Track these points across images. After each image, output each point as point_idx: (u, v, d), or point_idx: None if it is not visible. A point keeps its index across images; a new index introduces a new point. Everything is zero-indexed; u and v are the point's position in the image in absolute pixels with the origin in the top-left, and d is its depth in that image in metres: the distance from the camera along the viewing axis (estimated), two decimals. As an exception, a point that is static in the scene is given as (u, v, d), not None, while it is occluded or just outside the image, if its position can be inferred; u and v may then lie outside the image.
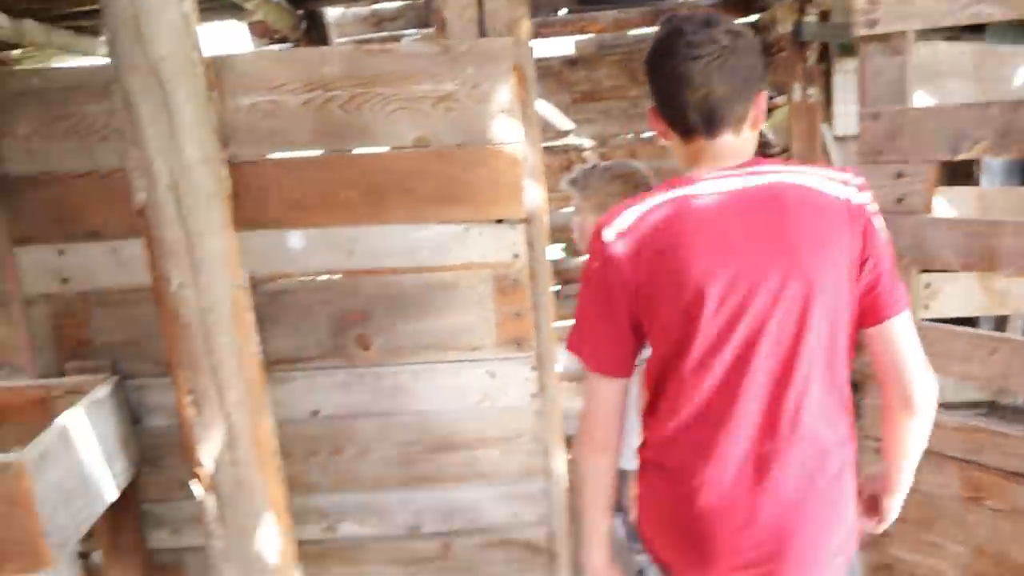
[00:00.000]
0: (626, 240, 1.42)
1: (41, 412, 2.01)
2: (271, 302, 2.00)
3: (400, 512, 2.15)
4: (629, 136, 5.30)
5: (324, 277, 2.02)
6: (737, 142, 1.44)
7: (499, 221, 1.99)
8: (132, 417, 2.06)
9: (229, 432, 1.77)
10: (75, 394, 1.97)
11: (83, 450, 1.80)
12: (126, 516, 2.13)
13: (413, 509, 2.14)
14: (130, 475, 2.02)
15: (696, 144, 1.44)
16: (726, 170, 1.43)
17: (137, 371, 2.05)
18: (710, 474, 1.44)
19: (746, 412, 1.42)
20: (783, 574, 1.47)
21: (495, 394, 2.07)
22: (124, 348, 2.04)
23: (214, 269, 1.69)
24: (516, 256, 2.00)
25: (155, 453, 2.11)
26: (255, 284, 1.91)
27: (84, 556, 2.22)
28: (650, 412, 1.53)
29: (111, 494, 1.91)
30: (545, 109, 4.75)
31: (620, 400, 1.51)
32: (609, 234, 1.43)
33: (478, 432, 2.10)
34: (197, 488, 1.84)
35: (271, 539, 1.88)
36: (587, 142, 5.17)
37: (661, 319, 1.43)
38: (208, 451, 1.78)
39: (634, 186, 2.23)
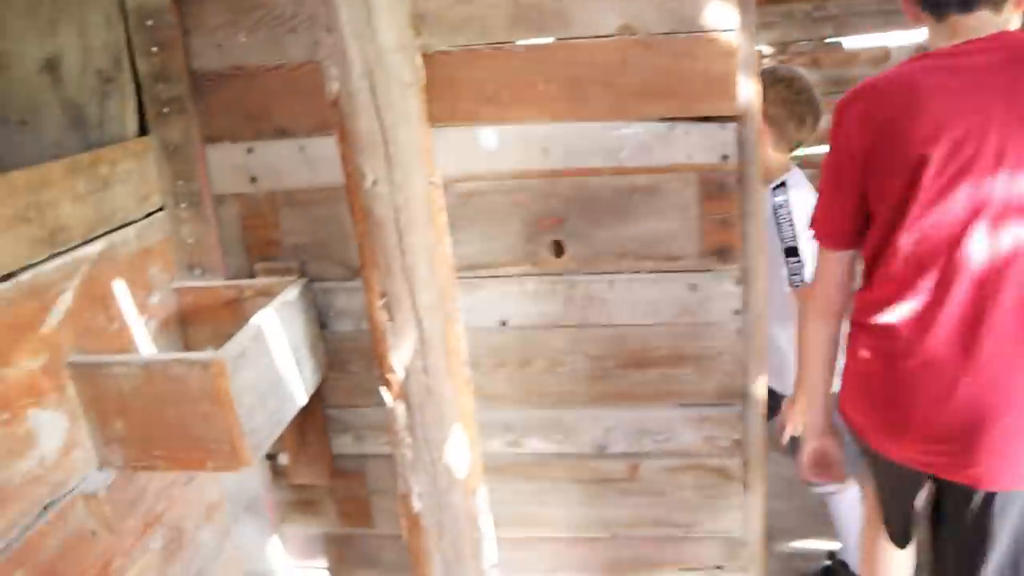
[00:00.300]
0: (859, 106, 1.50)
1: (231, 313, 2.00)
2: (461, 204, 1.89)
3: (587, 430, 2.04)
4: (811, 43, 4.89)
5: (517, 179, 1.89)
6: (996, 20, 1.40)
7: (708, 119, 1.79)
8: (319, 321, 2.02)
9: (421, 338, 1.68)
10: (264, 296, 1.94)
11: (276, 352, 1.76)
12: (312, 420, 2.12)
13: (601, 427, 2.03)
14: (317, 379, 1.99)
15: (948, 21, 1.43)
16: (972, 42, 1.41)
17: (325, 274, 2.01)
18: (918, 341, 1.47)
19: (961, 282, 1.41)
20: (974, 458, 1.45)
21: (695, 309, 1.91)
22: (312, 250, 2.00)
23: (409, 164, 1.58)
24: (725, 158, 1.81)
25: (341, 358, 2.08)
26: (445, 185, 1.80)
27: (271, 457, 2.24)
28: (866, 280, 1.60)
29: (301, 398, 1.89)
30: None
31: (844, 272, 1.65)
32: (846, 103, 1.52)
33: (674, 349, 1.95)
34: (386, 395, 1.78)
35: (459, 451, 1.81)
36: (765, 48, 4.79)
37: (884, 184, 1.46)
38: (399, 357, 1.71)
39: (796, 92, 2.21)
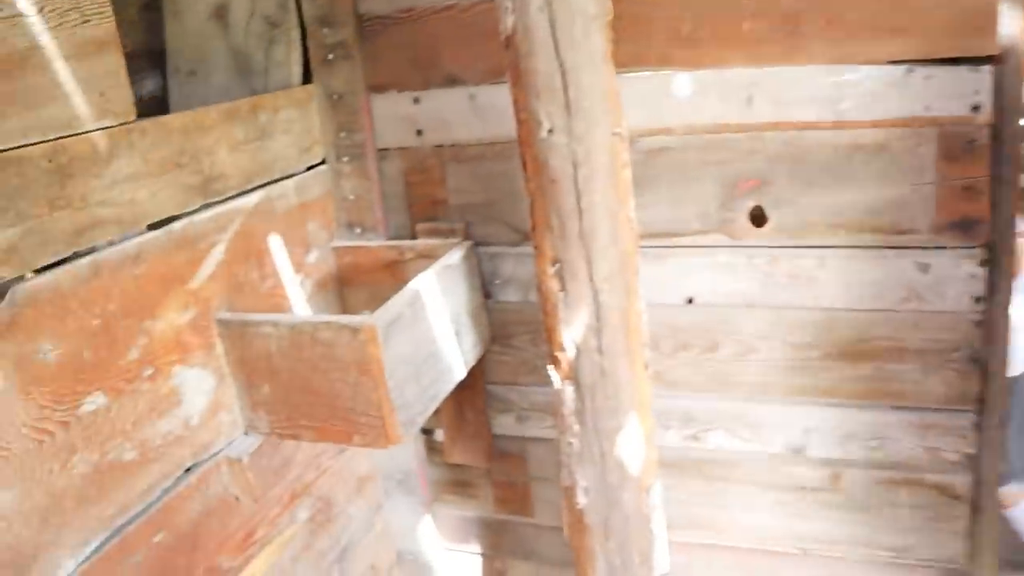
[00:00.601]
0: None
1: (390, 276, 1.86)
2: (647, 162, 1.65)
3: (782, 428, 1.76)
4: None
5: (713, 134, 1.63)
6: None
7: (955, 60, 1.46)
8: (483, 289, 1.84)
9: (597, 313, 1.47)
10: (426, 258, 1.78)
11: (434, 320, 1.60)
12: (471, 397, 1.95)
13: (799, 426, 1.75)
14: (478, 353, 1.81)
15: None
16: None
17: (492, 237, 1.83)
18: None
19: None
20: None
21: (925, 293, 1.59)
22: (479, 211, 1.82)
23: (591, 111, 1.36)
24: (976, 109, 1.47)
25: (505, 331, 1.89)
26: (630, 140, 1.56)
27: (427, 432, 2.10)
28: None
29: (460, 372, 1.71)
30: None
31: None
32: None
33: (895, 340, 1.63)
34: (554, 375, 1.58)
35: (633, 443, 1.58)
36: None
37: None
38: (571, 333, 1.50)
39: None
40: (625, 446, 1.59)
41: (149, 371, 1.39)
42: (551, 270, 1.50)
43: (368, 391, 1.45)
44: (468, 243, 1.78)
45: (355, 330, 1.41)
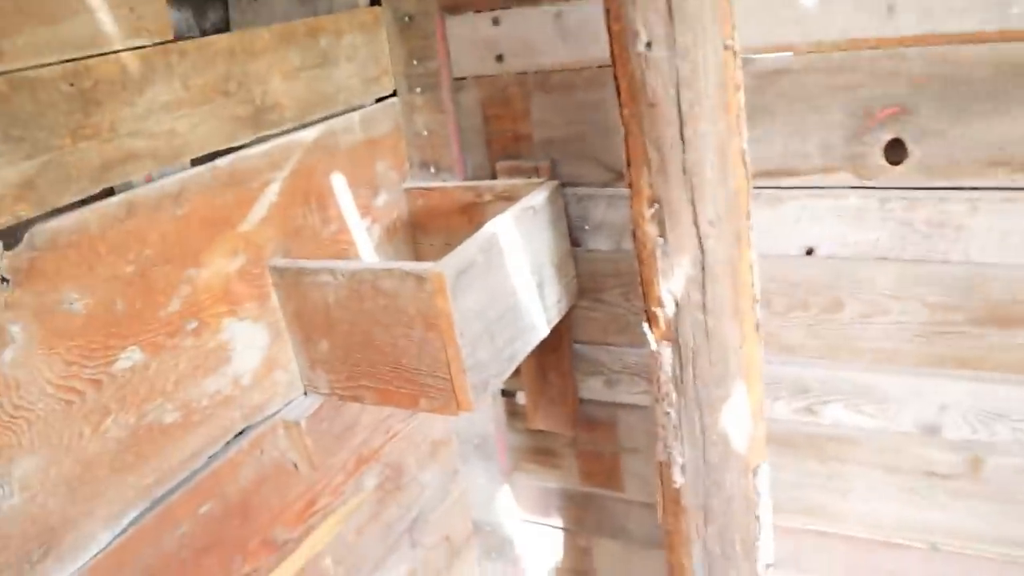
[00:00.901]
0: None
1: (468, 221, 1.67)
2: (761, 86, 1.41)
3: (914, 403, 1.51)
4: None
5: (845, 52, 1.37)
6: None
7: None
8: (571, 236, 1.64)
9: (701, 263, 1.25)
10: (506, 200, 1.59)
11: (513, 269, 1.41)
12: (556, 357, 1.76)
13: (934, 402, 1.49)
14: (564, 308, 1.62)
15: None
16: None
17: (581, 177, 1.61)
18: None
19: None
20: None
21: (1102, 247, 1.32)
22: (567, 146, 1.61)
23: (698, 19, 1.13)
24: None
25: (595, 284, 1.69)
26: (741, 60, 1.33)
27: (507, 394, 1.92)
28: None
29: (543, 328, 1.52)
30: None
31: None
32: None
33: (1061, 302, 1.37)
34: (650, 335, 1.37)
35: (739, 416, 1.37)
36: None
37: None
38: (671, 287, 1.29)
39: None
40: (730, 419, 1.38)
41: (193, 324, 1.24)
42: (648, 212, 1.29)
43: (435, 349, 1.27)
44: (553, 183, 1.57)
45: (420, 279, 1.23)
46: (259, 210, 1.35)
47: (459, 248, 1.29)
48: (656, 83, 1.17)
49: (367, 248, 1.61)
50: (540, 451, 1.95)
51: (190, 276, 1.23)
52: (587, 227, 1.65)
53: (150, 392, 1.18)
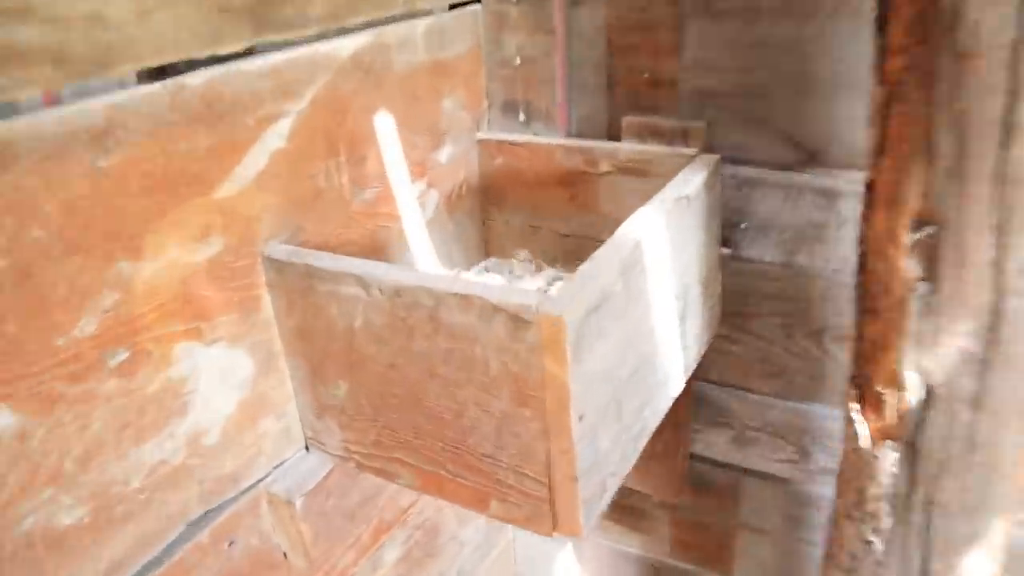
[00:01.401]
0: None
1: (569, 197, 1.13)
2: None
3: None
4: None
5: None
6: None
7: None
8: (722, 236, 1.09)
9: (994, 332, 0.73)
10: (632, 175, 1.05)
11: (655, 297, 0.87)
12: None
13: None
14: (705, 343, 1.08)
15: None
16: None
17: (747, 152, 1.06)
18: None
19: None
20: None
21: None
22: (732, 104, 1.05)
23: None
24: None
25: (742, 306, 1.16)
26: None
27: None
28: None
29: (677, 382, 0.99)
30: None
31: None
32: None
33: None
34: (861, 425, 0.85)
35: (985, 569, 0.86)
36: None
37: None
38: (926, 361, 0.77)
39: None
40: (971, 570, 0.87)
41: (120, 356, 0.72)
42: (910, 237, 0.75)
43: (530, 435, 0.75)
44: (712, 158, 1.02)
45: (520, 320, 0.70)
46: (253, 163, 0.81)
47: (588, 267, 0.75)
48: (982, 17, 0.62)
49: (416, 227, 1.07)
50: (624, 509, 1.44)
51: (119, 275, 0.71)
52: (744, 225, 1.10)
53: (31, 479, 0.67)
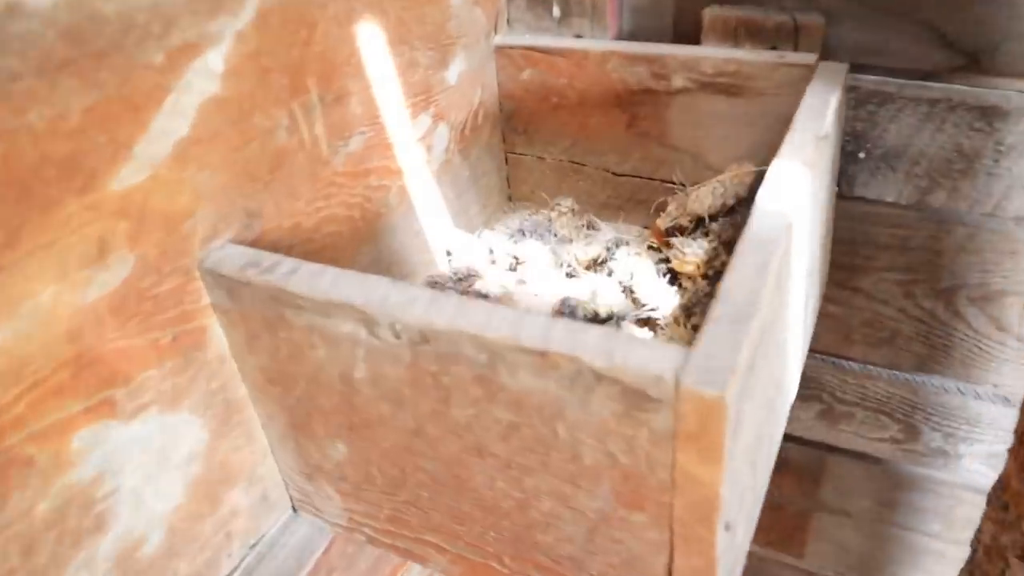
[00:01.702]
0: None
1: (625, 124, 0.83)
2: None
3: None
4: None
5: None
6: None
7: None
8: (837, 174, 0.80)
9: None
10: (722, 93, 0.75)
11: (793, 292, 0.58)
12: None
13: None
14: (812, 323, 0.80)
15: None
16: None
17: (877, 54, 0.76)
18: None
19: None
20: None
21: None
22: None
23: None
24: None
25: (852, 258, 0.88)
26: None
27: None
28: None
29: (792, 393, 0.72)
30: None
31: None
32: None
33: None
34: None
35: None
36: None
37: None
38: None
39: None
40: None
41: (-25, 473, 0.43)
42: None
43: (645, 546, 0.48)
44: (841, 67, 0.71)
45: (643, 398, 0.41)
46: (169, 126, 0.50)
47: (736, 283, 0.46)
48: None
49: (425, 179, 0.77)
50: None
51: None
52: (862, 155, 0.81)
53: None
